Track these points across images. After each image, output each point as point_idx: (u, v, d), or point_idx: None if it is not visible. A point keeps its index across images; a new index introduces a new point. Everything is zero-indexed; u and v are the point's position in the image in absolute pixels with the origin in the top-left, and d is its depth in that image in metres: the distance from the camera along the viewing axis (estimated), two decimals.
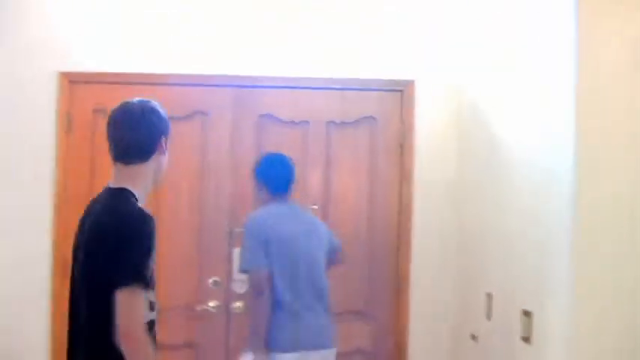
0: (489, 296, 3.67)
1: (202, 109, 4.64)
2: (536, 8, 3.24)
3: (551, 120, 3.00)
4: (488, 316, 3.69)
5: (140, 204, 2.61)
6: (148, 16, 4.64)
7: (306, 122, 4.64)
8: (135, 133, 2.67)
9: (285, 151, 4.19)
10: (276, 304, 3.77)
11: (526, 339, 3.12)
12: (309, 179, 4.58)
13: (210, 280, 4.57)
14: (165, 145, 2.73)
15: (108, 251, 2.45)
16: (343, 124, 4.65)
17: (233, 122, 4.65)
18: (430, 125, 4.63)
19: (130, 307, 2.39)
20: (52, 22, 4.64)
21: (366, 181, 4.67)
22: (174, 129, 4.66)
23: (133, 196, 2.61)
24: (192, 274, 4.60)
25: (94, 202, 2.72)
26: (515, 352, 3.27)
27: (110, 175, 2.75)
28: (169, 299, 4.58)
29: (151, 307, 2.55)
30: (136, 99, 2.77)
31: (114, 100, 4.52)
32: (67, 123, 4.57)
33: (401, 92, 4.65)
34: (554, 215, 2.90)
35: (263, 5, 4.64)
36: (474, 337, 3.92)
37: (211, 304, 4.55)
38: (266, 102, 4.65)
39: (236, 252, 4.30)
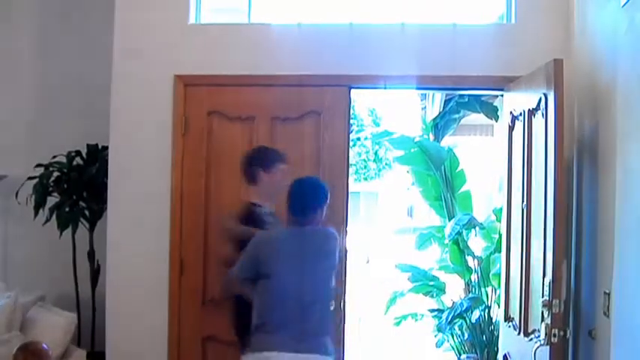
0: (607, 293, 3.60)
1: (315, 109, 4.69)
2: None
3: None
4: (607, 313, 3.62)
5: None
6: (258, 19, 4.72)
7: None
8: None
9: None
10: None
11: None
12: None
13: None
14: (267, 175, 4.04)
15: None
16: None
17: (346, 120, 4.70)
18: None
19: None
20: (168, 27, 4.81)
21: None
22: (288, 130, 4.67)
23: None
24: None
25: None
26: (636, 348, 3.20)
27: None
28: None
29: None
30: None
31: (227, 102, 4.67)
32: (183, 125, 4.72)
33: None
34: None
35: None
36: (591, 334, 3.84)
37: None
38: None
39: None
